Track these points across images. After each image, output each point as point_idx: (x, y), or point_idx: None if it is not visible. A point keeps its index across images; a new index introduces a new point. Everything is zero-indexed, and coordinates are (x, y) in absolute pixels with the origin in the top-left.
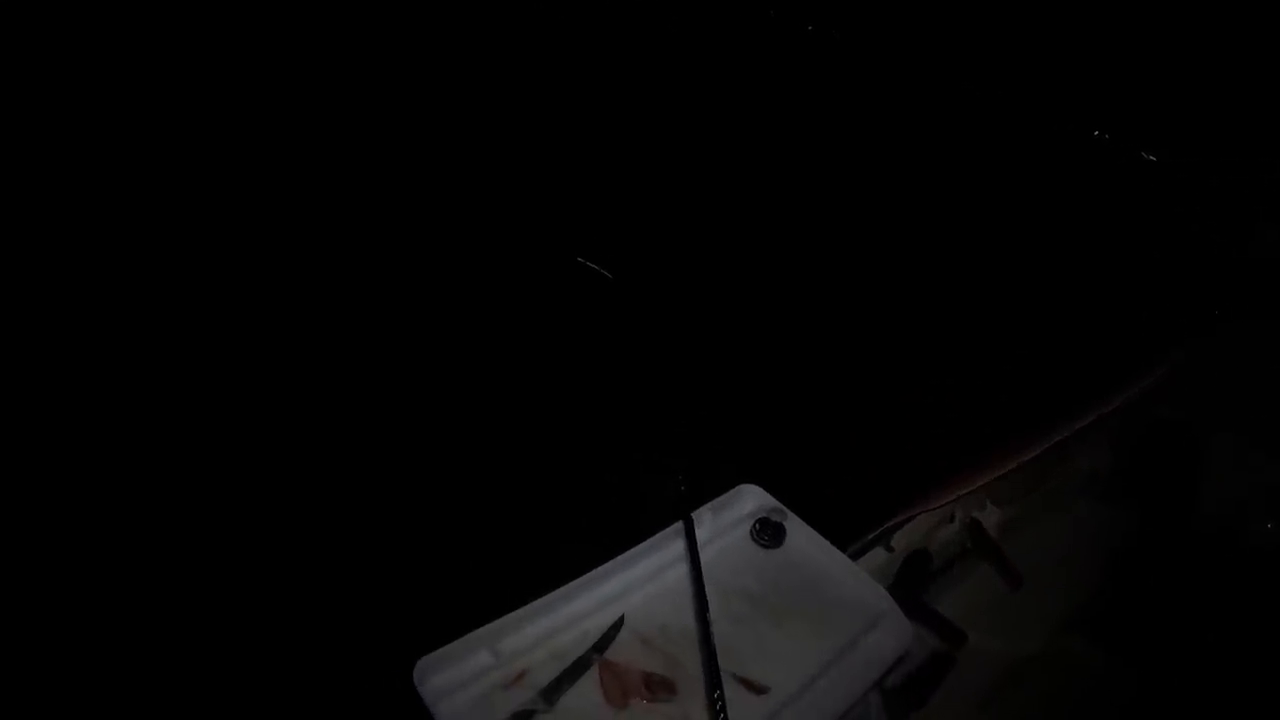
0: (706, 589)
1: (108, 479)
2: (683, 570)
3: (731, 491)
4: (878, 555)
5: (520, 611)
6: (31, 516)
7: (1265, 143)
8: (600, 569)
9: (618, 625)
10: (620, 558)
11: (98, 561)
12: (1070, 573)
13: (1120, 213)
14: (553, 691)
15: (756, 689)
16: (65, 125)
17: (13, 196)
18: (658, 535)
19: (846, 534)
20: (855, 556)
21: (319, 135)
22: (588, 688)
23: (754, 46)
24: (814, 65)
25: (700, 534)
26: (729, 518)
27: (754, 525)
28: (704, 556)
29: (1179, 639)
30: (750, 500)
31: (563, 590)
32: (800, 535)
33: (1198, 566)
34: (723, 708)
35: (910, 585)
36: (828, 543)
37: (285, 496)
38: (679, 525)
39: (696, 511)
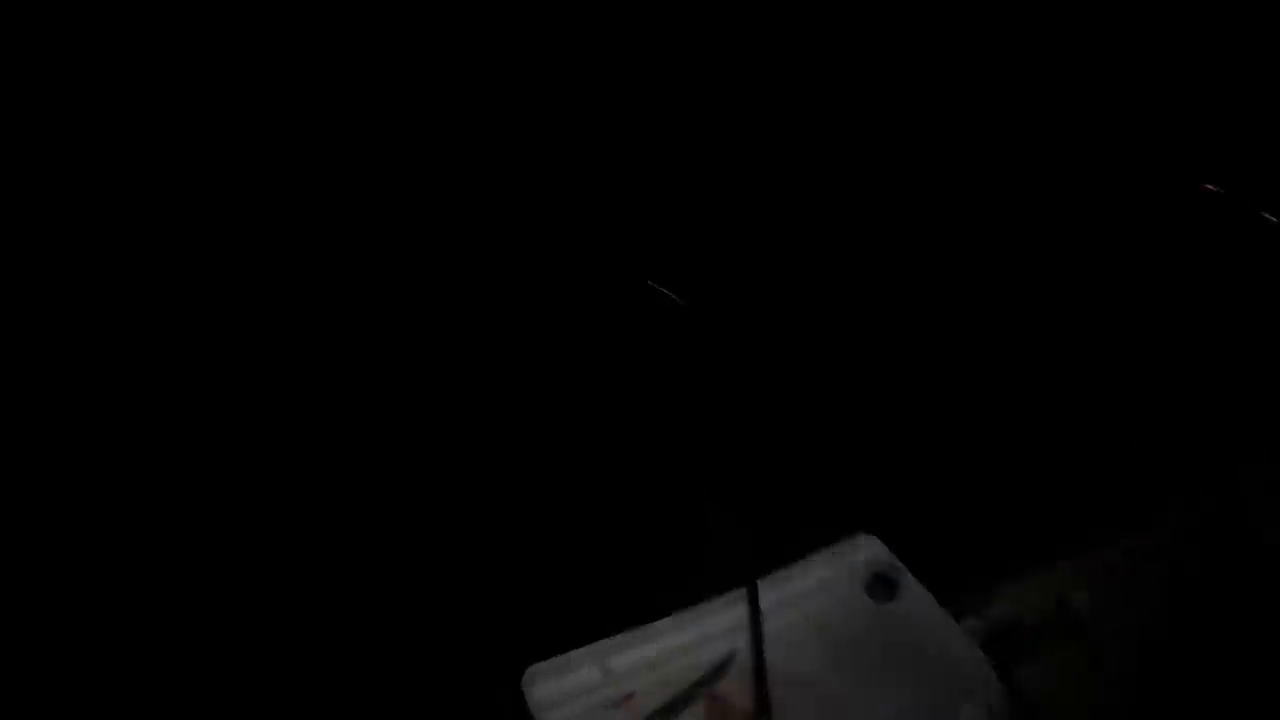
0: (811, 636)
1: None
2: (796, 614)
3: (849, 540)
4: (970, 621)
5: (633, 633)
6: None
7: None
8: (715, 601)
9: (728, 661)
10: (735, 592)
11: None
12: (1150, 658)
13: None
14: (658, 719)
15: None
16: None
17: (12, 196)
18: (775, 575)
19: (946, 595)
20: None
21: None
22: None
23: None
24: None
25: (812, 579)
26: (844, 566)
27: (868, 577)
28: (814, 603)
29: None
30: (867, 551)
31: (676, 618)
32: (913, 594)
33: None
34: None
35: (997, 655)
36: (939, 606)
37: (419, 499)
38: (793, 569)
39: (813, 556)
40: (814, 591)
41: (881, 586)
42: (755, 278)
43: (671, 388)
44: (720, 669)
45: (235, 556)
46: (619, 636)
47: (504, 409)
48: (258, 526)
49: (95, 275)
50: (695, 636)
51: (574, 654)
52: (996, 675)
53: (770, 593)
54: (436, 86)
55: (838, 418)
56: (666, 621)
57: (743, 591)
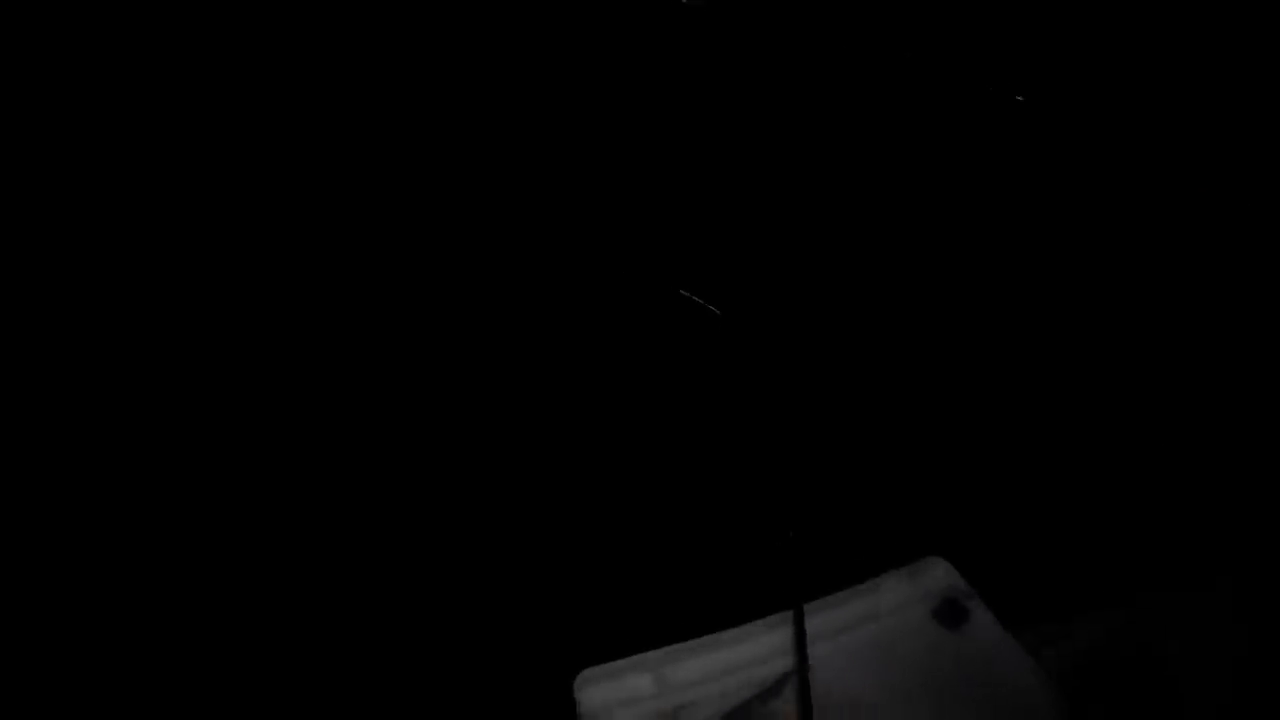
0: (874, 659)
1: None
2: (860, 635)
3: (919, 562)
4: (1047, 654)
5: (690, 644)
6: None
7: None
8: (775, 617)
9: (785, 679)
10: (807, 605)
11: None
12: (1233, 705)
13: None
14: None
15: None
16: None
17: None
18: (840, 594)
19: (1023, 626)
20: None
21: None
22: None
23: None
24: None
25: (879, 601)
26: (913, 589)
27: (938, 602)
28: (880, 625)
29: None
30: (937, 575)
31: (736, 632)
32: (983, 623)
33: None
34: None
35: (1071, 691)
36: (1010, 637)
37: (479, 503)
38: (860, 589)
39: (881, 577)
40: (880, 614)
41: (951, 613)
42: (813, 283)
43: (729, 398)
44: (777, 686)
45: (271, 560)
46: (676, 646)
47: (557, 421)
48: (309, 530)
49: (96, 276)
50: (755, 652)
51: (628, 661)
52: (1069, 712)
53: (835, 612)
54: (467, 96)
55: (913, 432)
56: (726, 635)
57: (813, 605)
